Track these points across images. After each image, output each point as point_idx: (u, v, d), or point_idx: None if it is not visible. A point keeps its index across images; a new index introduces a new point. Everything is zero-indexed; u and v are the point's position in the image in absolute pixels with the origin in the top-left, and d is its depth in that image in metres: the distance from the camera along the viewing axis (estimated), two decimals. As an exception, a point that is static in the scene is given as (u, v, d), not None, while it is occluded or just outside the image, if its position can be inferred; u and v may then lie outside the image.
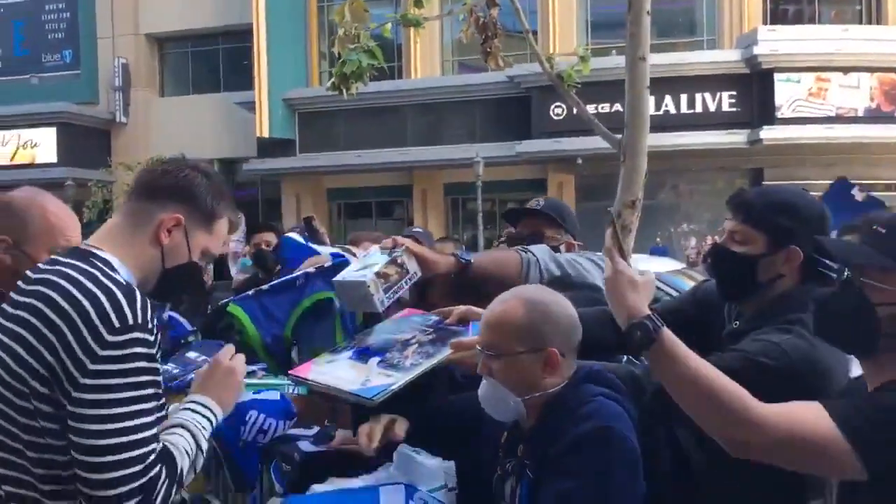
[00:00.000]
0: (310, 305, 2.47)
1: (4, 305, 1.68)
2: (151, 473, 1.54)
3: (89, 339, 1.52)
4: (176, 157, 1.87)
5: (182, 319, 3.86)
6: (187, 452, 1.66)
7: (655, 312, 1.68)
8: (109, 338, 1.53)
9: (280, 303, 2.37)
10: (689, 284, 6.83)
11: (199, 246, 1.79)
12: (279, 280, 2.47)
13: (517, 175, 24.67)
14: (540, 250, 2.60)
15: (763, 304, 2.15)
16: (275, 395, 2.08)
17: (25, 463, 1.58)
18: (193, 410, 1.75)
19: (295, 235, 3.68)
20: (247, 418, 2.11)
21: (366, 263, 2.33)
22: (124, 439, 1.52)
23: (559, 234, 2.86)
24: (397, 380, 2.03)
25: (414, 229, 4.58)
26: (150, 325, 1.59)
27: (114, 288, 1.58)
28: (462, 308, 2.27)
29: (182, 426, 1.70)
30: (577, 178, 24.06)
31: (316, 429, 2.64)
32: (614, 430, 1.69)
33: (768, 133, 21.02)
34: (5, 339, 1.61)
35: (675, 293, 6.37)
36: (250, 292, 2.40)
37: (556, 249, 2.77)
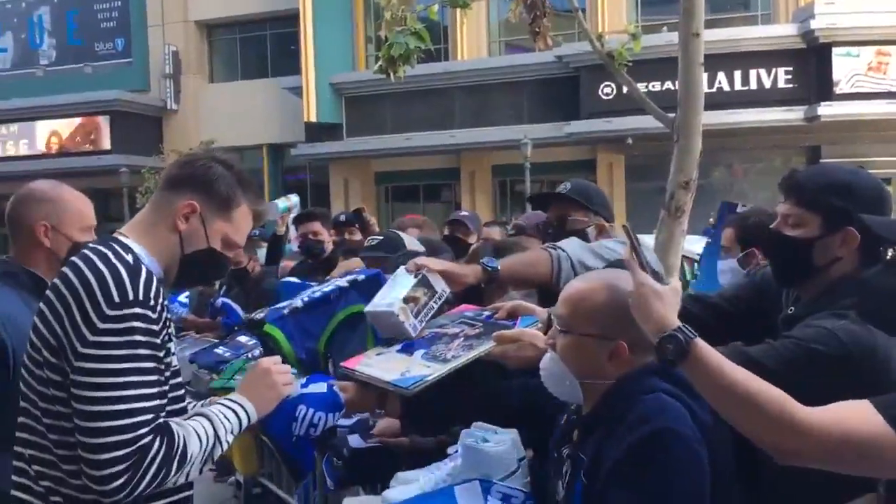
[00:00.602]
0: (343, 318, 2.48)
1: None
2: (142, 442, 1.60)
3: (91, 311, 1.62)
4: (199, 150, 1.94)
5: (235, 307, 3.88)
6: (199, 436, 1.71)
7: (686, 325, 1.60)
8: (109, 311, 1.62)
9: (315, 318, 2.38)
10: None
11: (218, 233, 1.85)
12: (313, 297, 2.45)
13: (566, 156, 24.42)
14: (570, 244, 2.55)
15: (820, 288, 2.06)
16: (322, 388, 2.09)
17: (43, 429, 1.69)
18: (222, 404, 1.84)
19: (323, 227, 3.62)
20: (297, 414, 2.12)
21: (394, 286, 2.34)
22: (117, 407, 1.59)
23: (587, 216, 2.80)
24: (435, 371, 2.04)
25: (461, 213, 4.52)
26: (151, 303, 1.66)
27: (119, 265, 1.67)
28: (512, 303, 2.24)
29: (203, 415, 1.78)
30: (627, 159, 23.73)
31: (355, 417, 2.64)
32: (672, 431, 1.60)
33: (826, 109, 20.43)
34: (35, 318, 1.74)
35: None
36: (285, 311, 2.41)
37: (584, 234, 2.73)
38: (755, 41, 21.28)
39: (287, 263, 5.10)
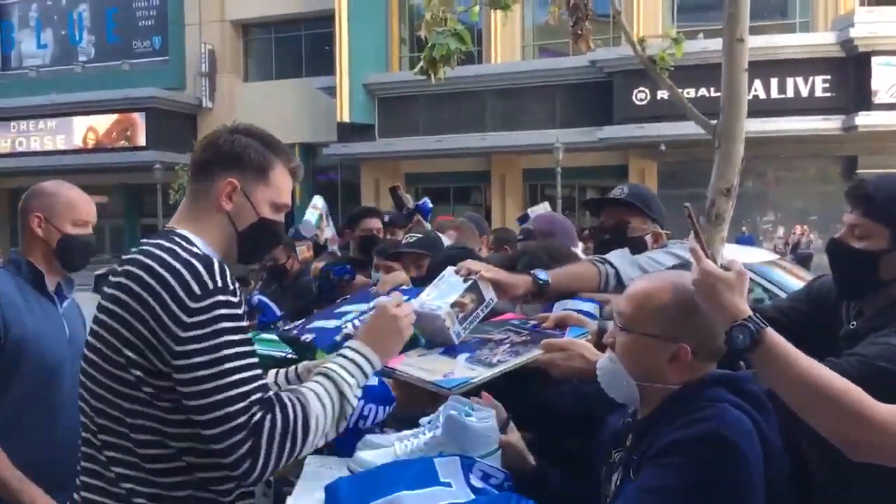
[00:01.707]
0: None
1: (105, 288, 1.76)
2: (254, 421, 1.59)
3: (176, 309, 1.61)
4: (219, 128, 1.90)
5: (271, 304, 3.89)
6: (320, 399, 1.69)
7: (757, 312, 1.56)
8: (193, 304, 1.61)
9: None
10: (782, 275, 6.57)
11: (264, 201, 1.83)
12: (365, 322, 2.40)
13: (598, 161, 24.32)
14: (617, 258, 2.47)
15: (884, 302, 1.98)
16: (373, 381, 2.05)
17: (125, 430, 1.68)
18: (344, 357, 1.79)
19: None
20: None
21: (440, 289, 2.28)
22: (222, 395, 1.59)
23: (645, 223, 2.70)
24: (479, 374, 1.99)
25: (465, 215, 4.33)
26: (230, 287, 1.67)
27: (191, 259, 1.66)
28: (561, 313, 2.19)
29: (323, 374, 1.75)
30: (659, 165, 23.57)
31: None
32: (726, 439, 1.51)
33: (864, 119, 20.15)
34: (103, 317, 1.72)
35: (767, 284, 6.14)
36: (338, 337, 2.30)
37: (642, 241, 2.64)
38: (793, 49, 21.05)
39: (317, 265, 5.06)
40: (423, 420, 1.97)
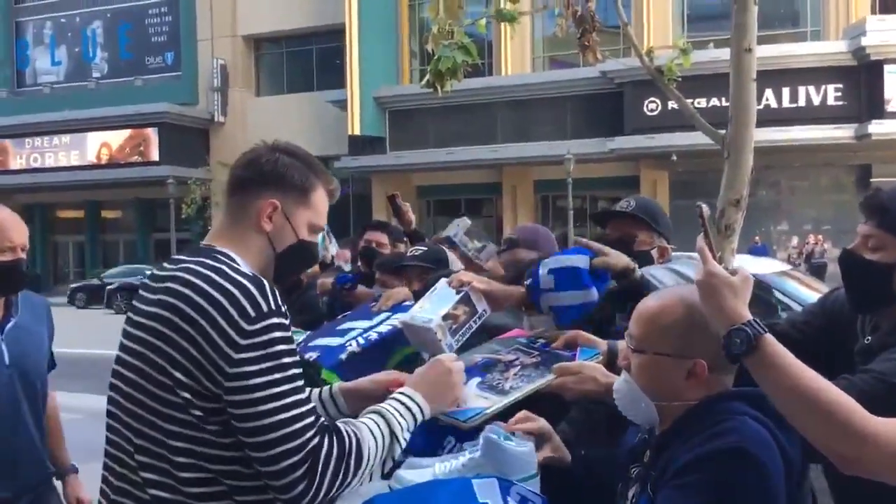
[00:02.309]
0: (401, 359, 2.40)
1: (137, 303, 1.74)
2: (312, 444, 1.59)
3: (231, 331, 1.58)
4: (257, 145, 1.87)
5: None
6: (373, 435, 1.70)
7: (757, 319, 1.53)
8: (248, 327, 1.59)
9: (372, 360, 2.28)
10: (794, 286, 6.51)
11: (303, 223, 1.82)
12: (370, 340, 2.37)
13: (609, 172, 24.29)
14: None
15: None
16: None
17: (165, 451, 1.64)
18: (398, 401, 1.79)
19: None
20: None
21: (432, 300, 2.26)
22: (279, 417, 1.58)
23: (651, 237, 2.64)
24: (493, 403, 1.95)
25: (458, 226, 4.17)
26: (283, 309, 1.66)
27: (243, 280, 1.64)
28: (571, 333, 2.14)
29: (377, 412, 1.75)
30: (671, 175, 23.51)
31: None
32: (748, 452, 1.49)
33: (877, 127, 20.04)
34: (145, 335, 1.67)
35: (780, 296, 6.09)
36: (343, 356, 2.32)
37: (648, 255, 2.60)
38: (804, 58, 21.00)
39: (324, 280, 5.02)
40: (467, 444, 1.96)
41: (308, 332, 2.74)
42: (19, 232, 2.60)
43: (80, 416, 5.50)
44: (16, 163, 31.67)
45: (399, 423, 1.74)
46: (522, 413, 1.92)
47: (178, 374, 1.61)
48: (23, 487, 2.73)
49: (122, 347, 1.74)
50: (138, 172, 29.67)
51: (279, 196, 1.78)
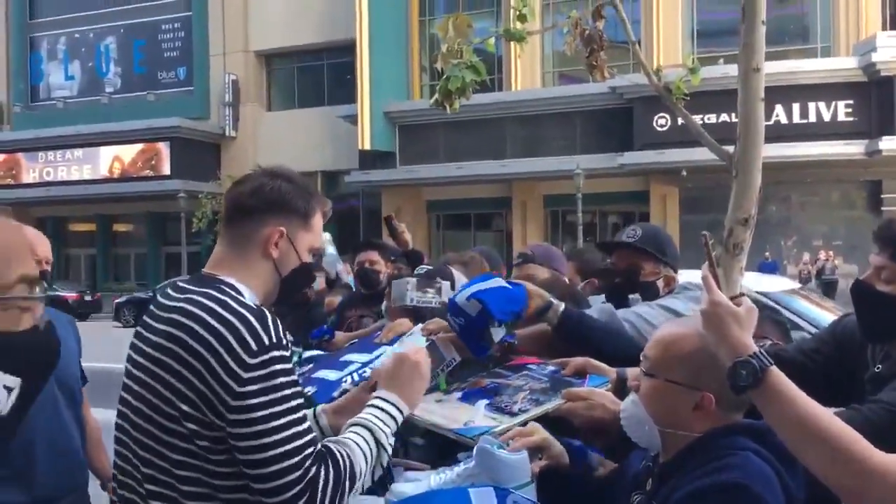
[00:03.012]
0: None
1: (144, 332, 1.77)
2: (310, 475, 1.63)
3: (233, 364, 1.62)
4: (254, 171, 1.93)
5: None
6: (362, 450, 1.74)
7: (762, 351, 1.53)
8: (250, 360, 1.62)
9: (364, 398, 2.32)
10: (804, 305, 6.49)
11: (305, 247, 1.88)
12: (363, 376, 2.31)
13: (619, 187, 24.28)
14: (598, 314, 2.40)
15: None
16: None
17: (173, 480, 1.68)
18: (376, 407, 1.83)
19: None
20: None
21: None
22: (280, 450, 1.61)
23: (657, 268, 2.61)
24: (500, 423, 1.97)
25: (475, 249, 4.06)
26: (284, 342, 1.69)
27: (246, 313, 1.67)
28: (580, 360, 2.14)
29: (361, 425, 1.79)
30: (681, 191, 23.48)
31: None
32: (750, 489, 1.49)
33: (888, 143, 19.98)
34: (150, 366, 1.71)
35: (788, 314, 6.07)
36: (335, 394, 2.30)
37: (654, 286, 2.58)
38: (815, 74, 20.98)
39: (332, 300, 5.03)
40: (461, 455, 1.98)
41: (313, 355, 2.75)
42: (44, 246, 2.74)
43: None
44: (29, 176, 31.91)
45: (383, 430, 1.79)
46: (516, 429, 1.94)
47: (184, 407, 1.65)
48: (66, 489, 2.84)
49: (128, 374, 1.78)
50: (150, 186, 29.84)
51: (284, 222, 1.83)
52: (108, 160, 30.78)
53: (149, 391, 1.69)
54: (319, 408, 2.05)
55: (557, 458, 1.93)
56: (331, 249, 5.49)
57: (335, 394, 2.32)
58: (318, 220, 1.91)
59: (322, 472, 1.64)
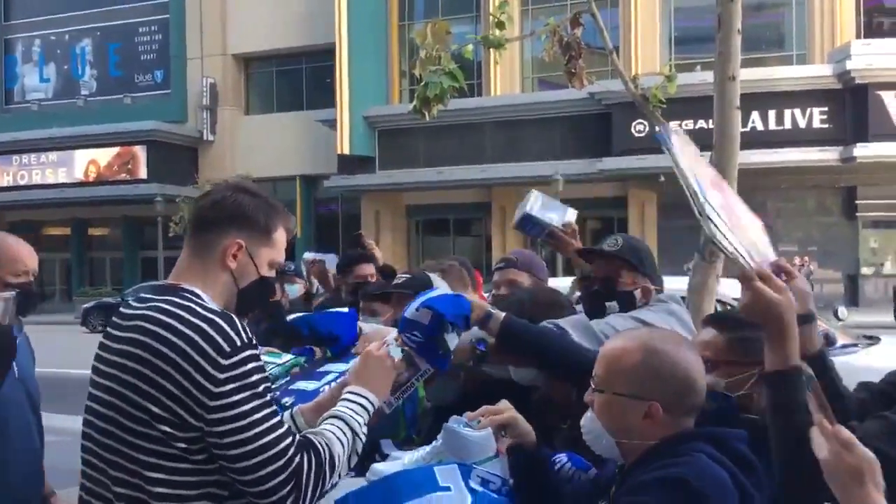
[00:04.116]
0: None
1: (105, 341, 1.82)
2: (294, 464, 1.70)
3: (207, 367, 1.67)
4: (218, 183, 1.99)
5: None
6: (339, 439, 1.82)
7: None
8: (224, 362, 1.68)
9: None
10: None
11: (265, 261, 1.92)
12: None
13: (598, 192, 24.40)
14: (572, 326, 2.41)
15: None
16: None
17: (141, 482, 1.71)
18: (348, 400, 1.91)
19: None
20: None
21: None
22: (263, 440, 1.68)
23: (635, 278, 2.65)
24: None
25: (451, 258, 3.97)
26: (253, 341, 1.76)
27: (214, 317, 1.73)
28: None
29: (335, 416, 1.88)
30: (659, 197, 23.63)
31: None
32: (690, 483, 1.55)
33: (862, 150, 20.24)
34: (117, 373, 1.74)
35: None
36: (312, 404, 2.36)
37: (631, 296, 2.62)
38: (790, 81, 21.22)
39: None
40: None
41: (283, 356, 2.75)
42: (32, 258, 2.83)
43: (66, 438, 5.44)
44: (2, 179, 31.53)
45: (357, 420, 1.87)
46: (484, 407, 2.01)
47: (155, 409, 1.68)
48: (34, 494, 2.88)
49: (94, 383, 1.81)
50: (126, 190, 29.59)
51: (244, 236, 1.87)
52: (84, 164, 30.47)
53: (115, 396, 1.73)
54: (296, 408, 2.11)
55: (523, 437, 2.00)
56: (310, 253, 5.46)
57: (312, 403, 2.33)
58: (280, 236, 1.95)
59: (305, 461, 1.72)
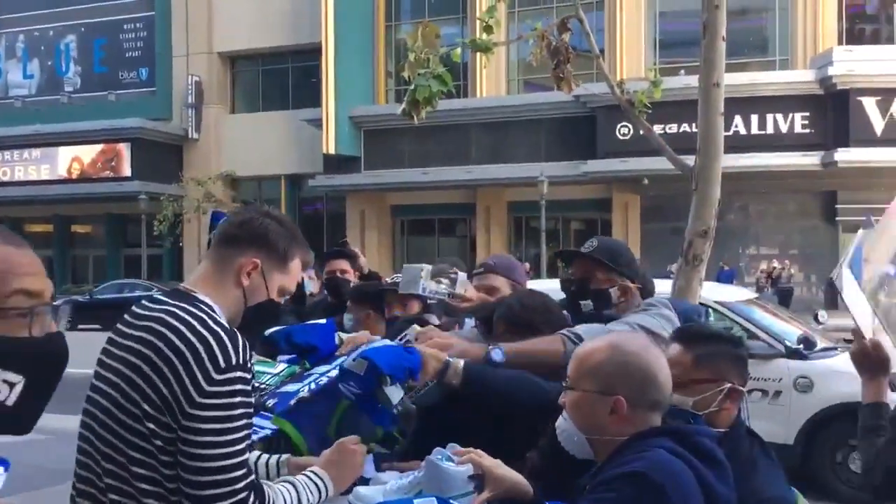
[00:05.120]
0: (340, 415, 2.44)
1: (114, 336, 1.90)
2: (239, 497, 1.74)
3: (199, 375, 1.73)
4: (251, 204, 2.03)
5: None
6: (285, 499, 1.88)
7: None
8: (216, 376, 1.74)
9: (324, 402, 2.33)
10: (760, 314, 6.63)
11: (276, 285, 2.00)
12: (320, 385, 2.38)
13: (582, 194, 24.53)
14: (588, 332, 2.44)
15: None
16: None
17: (128, 475, 1.78)
18: (308, 477, 1.99)
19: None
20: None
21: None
22: (218, 464, 1.73)
23: (610, 277, 2.73)
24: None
25: (442, 259, 3.99)
26: (248, 365, 1.82)
27: (220, 331, 1.80)
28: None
29: (290, 482, 1.95)
30: (642, 199, 23.79)
31: None
32: (648, 477, 1.63)
33: (843, 155, 20.46)
34: (120, 367, 1.81)
35: (746, 324, 6.20)
36: (293, 402, 2.36)
37: (606, 293, 2.70)
38: (773, 86, 21.41)
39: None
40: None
41: (277, 366, 2.77)
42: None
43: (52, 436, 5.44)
44: (-15, 176, 31.29)
45: (308, 497, 1.93)
46: (468, 457, 2.01)
47: (146, 407, 1.75)
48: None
49: (98, 375, 1.87)
50: (110, 188, 29.40)
51: (262, 257, 1.96)
52: (67, 161, 30.26)
53: (116, 390, 1.80)
54: (284, 457, 2.19)
55: (517, 488, 1.98)
56: None
57: (292, 402, 2.38)
58: (296, 266, 2.03)
59: (250, 499, 1.76)
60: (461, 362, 2.27)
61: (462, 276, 2.91)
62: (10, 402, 1.18)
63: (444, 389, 2.30)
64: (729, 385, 2.08)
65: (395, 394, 2.18)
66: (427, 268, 2.82)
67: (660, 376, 1.81)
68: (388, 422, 2.29)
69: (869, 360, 2.14)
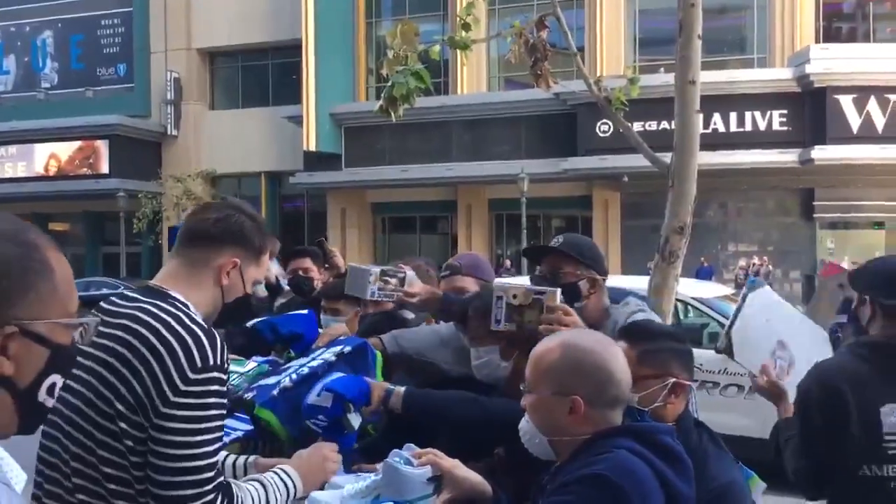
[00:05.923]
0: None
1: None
2: (207, 499, 1.73)
3: (175, 375, 1.72)
4: (218, 202, 2.04)
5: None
6: (253, 499, 1.86)
7: None
8: (192, 375, 1.73)
9: (305, 393, 2.33)
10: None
11: (251, 279, 2.02)
12: (301, 374, 2.40)
13: (562, 192, 24.60)
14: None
15: None
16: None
17: (98, 475, 1.76)
18: (275, 473, 1.97)
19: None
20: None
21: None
22: (187, 464, 1.72)
23: (578, 270, 2.77)
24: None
25: (418, 259, 3.89)
26: (225, 366, 1.81)
27: (198, 331, 1.78)
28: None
29: (258, 481, 1.93)
30: (622, 196, 23.89)
31: None
32: (608, 479, 1.63)
33: (820, 153, 20.64)
34: (93, 365, 1.78)
35: (722, 319, 6.26)
36: (275, 392, 2.37)
37: (575, 286, 2.73)
38: (751, 84, 21.57)
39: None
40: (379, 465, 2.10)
41: (247, 364, 2.77)
42: None
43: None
44: (-40, 173, 30.90)
45: (277, 496, 1.92)
46: (427, 458, 2.01)
47: (119, 406, 1.74)
48: None
49: (72, 376, 1.80)
50: (88, 185, 29.12)
51: (240, 255, 1.96)
52: (44, 158, 29.91)
53: (89, 389, 1.77)
54: (252, 458, 2.18)
55: (478, 488, 1.98)
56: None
57: (275, 392, 2.39)
58: (266, 257, 2.07)
59: (217, 500, 1.74)
60: (402, 389, 2.35)
61: (411, 273, 2.93)
62: (49, 404, 1.20)
63: (390, 415, 2.37)
64: (673, 380, 2.13)
65: (355, 420, 2.29)
66: (375, 271, 2.83)
67: (616, 373, 1.79)
68: (350, 444, 2.35)
69: (770, 393, 2.74)
